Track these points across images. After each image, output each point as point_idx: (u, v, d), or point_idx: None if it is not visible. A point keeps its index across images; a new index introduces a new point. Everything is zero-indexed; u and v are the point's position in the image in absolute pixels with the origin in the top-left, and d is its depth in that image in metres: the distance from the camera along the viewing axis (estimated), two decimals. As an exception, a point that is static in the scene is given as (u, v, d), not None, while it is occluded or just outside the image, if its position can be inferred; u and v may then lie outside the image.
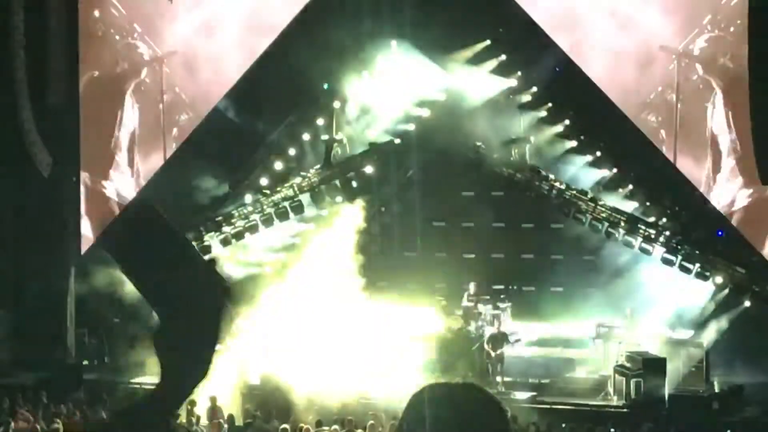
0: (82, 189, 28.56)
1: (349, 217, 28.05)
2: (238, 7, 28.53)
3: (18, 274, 28.07)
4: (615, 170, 28.71)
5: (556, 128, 28.84)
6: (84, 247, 28.23)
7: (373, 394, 24.11)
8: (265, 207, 28.45)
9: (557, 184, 27.99)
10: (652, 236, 27.14)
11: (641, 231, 27.23)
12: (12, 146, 27.21)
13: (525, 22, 26.96)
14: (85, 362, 28.20)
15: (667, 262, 26.89)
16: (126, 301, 26.65)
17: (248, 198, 28.72)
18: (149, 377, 24.67)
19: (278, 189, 28.63)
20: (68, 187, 28.40)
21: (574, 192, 27.87)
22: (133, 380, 25.67)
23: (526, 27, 27.06)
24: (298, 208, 28.40)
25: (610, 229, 27.39)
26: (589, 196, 27.86)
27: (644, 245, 27.19)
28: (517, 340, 27.23)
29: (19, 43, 26.80)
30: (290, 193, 28.51)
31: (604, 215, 27.56)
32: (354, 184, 28.53)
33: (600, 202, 27.70)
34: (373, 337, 26.05)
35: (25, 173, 27.56)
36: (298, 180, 28.66)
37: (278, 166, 29.03)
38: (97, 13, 28.55)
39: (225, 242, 28.31)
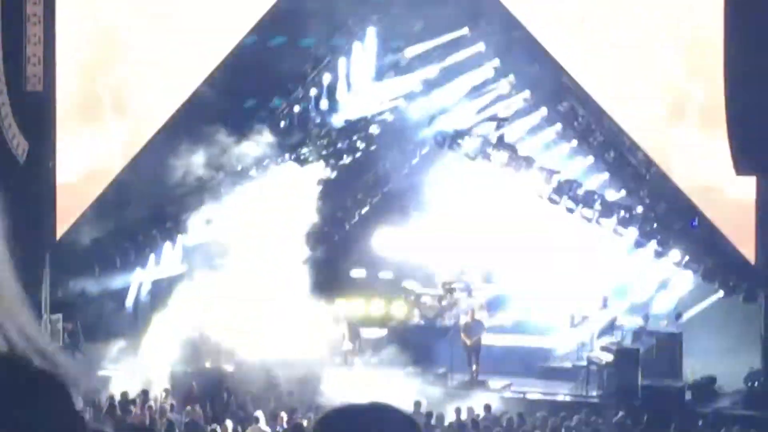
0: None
1: (318, 196, 27.91)
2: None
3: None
4: (592, 159, 28.74)
5: (532, 117, 28.80)
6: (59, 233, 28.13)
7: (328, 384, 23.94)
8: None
9: (535, 163, 27.86)
10: (627, 219, 27.18)
11: (616, 213, 27.25)
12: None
13: (503, 13, 26.87)
14: (59, 349, 27.97)
15: (640, 245, 26.97)
16: (101, 288, 26.60)
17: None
18: (123, 366, 24.70)
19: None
20: (44, 172, 28.22)
21: (550, 170, 27.80)
22: (106, 369, 25.46)
23: (504, 17, 27.00)
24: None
25: (583, 209, 27.40)
26: (565, 178, 27.84)
27: (618, 227, 27.23)
28: (490, 327, 27.25)
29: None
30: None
31: (579, 196, 27.55)
32: (329, 159, 28.48)
33: (575, 183, 27.72)
34: (331, 324, 26.27)
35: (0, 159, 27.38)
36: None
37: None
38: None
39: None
